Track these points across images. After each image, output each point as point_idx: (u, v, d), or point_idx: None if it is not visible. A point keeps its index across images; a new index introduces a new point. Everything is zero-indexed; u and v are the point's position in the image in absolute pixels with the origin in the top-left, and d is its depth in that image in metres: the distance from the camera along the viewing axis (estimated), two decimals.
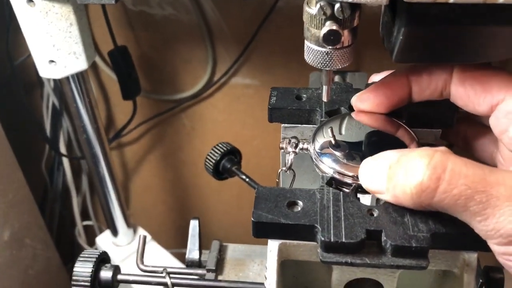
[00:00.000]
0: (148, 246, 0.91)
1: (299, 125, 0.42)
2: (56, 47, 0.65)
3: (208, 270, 0.52)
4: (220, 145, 0.68)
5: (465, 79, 0.35)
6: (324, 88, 0.39)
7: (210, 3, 0.92)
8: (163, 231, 1.32)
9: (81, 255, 0.50)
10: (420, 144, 0.38)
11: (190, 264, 0.54)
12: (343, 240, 0.31)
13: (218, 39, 0.97)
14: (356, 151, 0.37)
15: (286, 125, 0.42)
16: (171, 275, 0.49)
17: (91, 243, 1.21)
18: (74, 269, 0.48)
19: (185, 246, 0.54)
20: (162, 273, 0.50)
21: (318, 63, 0.35)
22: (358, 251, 0.31)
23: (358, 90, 0.43)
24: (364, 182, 0.33)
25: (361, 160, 0.36)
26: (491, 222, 0.28)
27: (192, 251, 0.54)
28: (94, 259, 0.48)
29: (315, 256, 0.33)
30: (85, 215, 1.21)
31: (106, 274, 0.48)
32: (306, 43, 0.35)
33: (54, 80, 0.99)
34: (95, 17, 0.95)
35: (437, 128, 0.40)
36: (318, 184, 0.36)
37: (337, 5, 0.31)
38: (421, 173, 0.29)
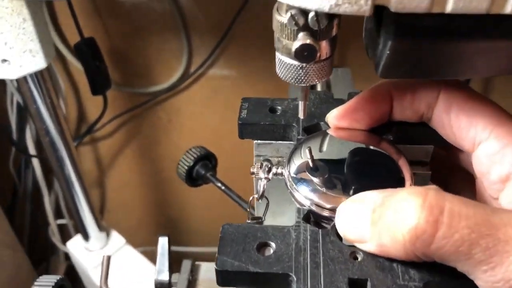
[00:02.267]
0: (122, 251, 0.86)
1: (274, 141, 0.37)
2: (8, 45, 0.59)
3: None
4: (193, 149, 0.63)
5: (451, 106, 0.30)
6: (300, 104, 0.34)
7: None
8: (142, 227, 1.27)
9: (36, 282, 0.45)
10: (410, 162, 0.33)
11: (160, 286, 0.49)
12: None
13: (193, 28, 0.92)
14: (338, 175, 0.32)
15: (259, 141, 0.38)
16: None
17: (66, 242, 1.16)
18: None
19: None
20: None
21: (292, 79, 0.30)
22: None
23: (339, 101, 0.38)
24: (341, 229, 0.29)
25: (343, 186, 0.31)
26: (499, 272, 0.24)
27: (161, 272, 0.49)
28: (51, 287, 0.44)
29: None
30: (59, 214, 1.16)
31: None
32: (277, 55, 0.30)
33: None
34: (60, 7, 0.89)
35: (428, 144, 0.36)
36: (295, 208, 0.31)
37: (311, 14, 0.26)
38: (415, 215, 0.24)
